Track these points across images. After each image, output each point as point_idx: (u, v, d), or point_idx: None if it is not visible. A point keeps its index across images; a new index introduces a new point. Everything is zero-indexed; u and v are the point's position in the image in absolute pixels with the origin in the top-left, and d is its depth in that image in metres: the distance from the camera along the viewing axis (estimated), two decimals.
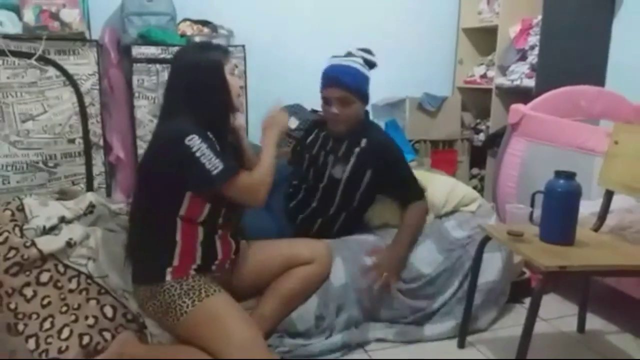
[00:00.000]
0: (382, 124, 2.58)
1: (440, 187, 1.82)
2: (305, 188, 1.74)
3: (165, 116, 1.38)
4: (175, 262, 1.32)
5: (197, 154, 1.23)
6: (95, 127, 1.96)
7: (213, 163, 1.23)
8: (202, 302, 1.28)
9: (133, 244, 1.40)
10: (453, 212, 1.81)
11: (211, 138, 1.29)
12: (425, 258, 1.67)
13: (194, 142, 1.23)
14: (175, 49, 2.03)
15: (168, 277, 1.31)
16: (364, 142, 1.66)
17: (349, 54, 1.72)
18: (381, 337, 1.57)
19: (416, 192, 1.72)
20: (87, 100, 1.93)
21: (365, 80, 1.68)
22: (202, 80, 1.33)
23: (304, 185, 1.75)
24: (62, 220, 1.50)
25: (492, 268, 1.69)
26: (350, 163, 1.66)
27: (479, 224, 1.71)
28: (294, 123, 2.29)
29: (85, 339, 1.35)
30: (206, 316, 1.27)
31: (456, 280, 1.67)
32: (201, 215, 1.33)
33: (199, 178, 1.25)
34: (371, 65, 1.72)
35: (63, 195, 1.68)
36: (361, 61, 1.69)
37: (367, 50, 1.75)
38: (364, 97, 1.68)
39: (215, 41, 2.15)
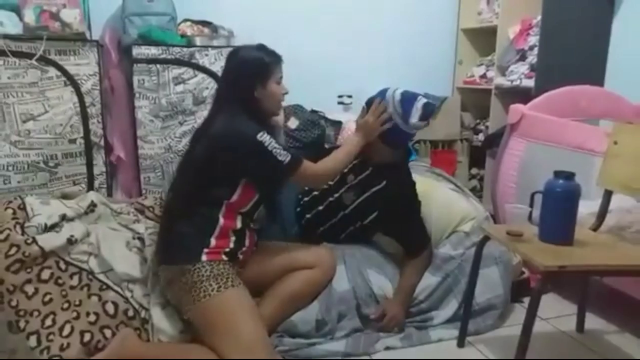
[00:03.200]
0: None
1: (438, 213, 1.78)
2: (316, 194, 1.76)
3: (220, 111, 1.45)
4: (213, 244, 1.37)
5: (269, 148, 1.37)
6: (96, 127, 1.96)
7: (282, 154, 1.39)
8: (227, 290, 1.32)
9: (171, 225, 1.43)
10: (449, 234, 1.82)
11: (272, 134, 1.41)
12: (420, 284, 1.67)
13: (265, 137, 1.37)
14: (176, 49, 2.04)
15: (204, 257, 1.35)
16: (383, 184, 1.65)
17: (410, 96, 1.63)
18: (389, 345, 1.55)
19: (417, 247, 1.70)
20: (87, 100, 1.93)
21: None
22: (236, 89, 1.44)
23: (316, 191, 1.77)
24: (63, 218, 1.52)
25: (490, 283, 1.68)
26: (363, 197, 1.67)
27: (473, 243, 1.70)
28: (294, 123, 2.31)
29: (87, 337, 1.36)
30: (225, 306, 1.31)
31: (454, 299, 1.67)
32: (246, 207, 1.44)
33: (272, 169, 1.40)
34: (406, 119, 1.61)
35: (65, 198, 1.69)
36: (397, 102, 1.60)
37: (427, 108, 1.61)
38: (383, 136, 1.62)
39: (215, 42, 2.17)
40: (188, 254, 1.37)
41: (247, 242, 1.46)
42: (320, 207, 1.73)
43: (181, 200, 1.44)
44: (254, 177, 1.42)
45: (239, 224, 1.44)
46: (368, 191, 1.67)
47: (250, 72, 1.45)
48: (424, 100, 1.63)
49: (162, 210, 1.58)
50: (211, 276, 1.34)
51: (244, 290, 1.38)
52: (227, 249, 1.41)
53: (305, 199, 1.78)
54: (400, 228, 1.70)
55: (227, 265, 1.38)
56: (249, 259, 1.51)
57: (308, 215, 1.75)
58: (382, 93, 1.66)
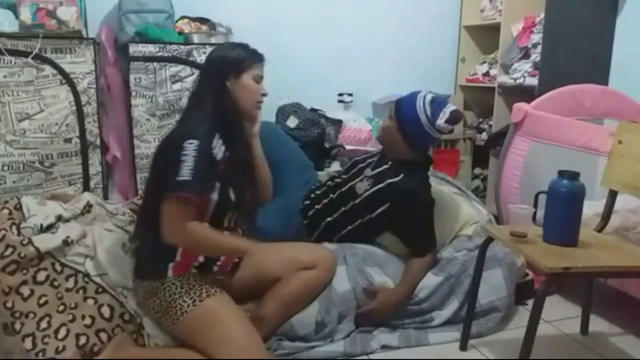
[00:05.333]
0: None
1: (441, 219, 1.76)
2: (330, 184, 1.80)
3: (183, 115, 1.42)
4: (178, 258, 1.31)
5: (182, 158, 1.22)
6: (92, 126, 1.95)
7: (186, 174, 1.21)
8: (203, 302, 1.28)
9: (140, 237, 1.40)
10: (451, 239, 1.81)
11: (207, 153, 1.27)
12: (422, 283, 1.66)
13: (190, 147, 1.23)
14: (173, 47, 2.02)
15: (170, 273, 1.31)
16: (400, 177, 1.67)
17: (439, 100, 1.69)
18: (385, 343, 1.55)
19: (423, 248, 1.69)
20: (83, 99, 1.91)
21: (413, 119, 1.67)
22: (210, 79, 1.38)
23: (330, 181, 1.82)
24: (60, 219, 1.51)
25: (494, 286, 1.66)
26: (376, 187, 1.68)
27: (476, 245, 1.67)
28: (293, 122, 2.29)
29: (82, 340, 1.35)
30: (206, 317, 1.27)
31: (456, 299, 1.65)
32: (206, 215, 1.32)
33: (168, 176, 1.23)
34: (433, 121, 1.66)
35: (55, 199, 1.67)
36: (427, 104, 1.66)
37: (455, 114, 1.68)
38: (404, 132, 1.68)
39: (213, 39, 2.15)
40: (154, 269, 1.32)
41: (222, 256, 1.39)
42: (333, 196, 1.75)
43: (146, 210, 1.38)
44: (159, 175, 1.30)
45: None
46: (383, 182, 1.68)
47: (225, 64, 1.38)
48: (453, 107, 1.70)
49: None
50: (183, 292, 1.29)
51: (223, 296, 1.33)
52: (197, 263, 1.34)
53: (318, 192, 1.80)
54: (409, 226, 1.68)
55: (197, 277, 1.33)
56: (243, 265, 1.46)
57: (317, 206, 1.76)
58: (414, 95, 1.70)
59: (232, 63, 1.38)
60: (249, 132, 1.46)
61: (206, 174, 1.25)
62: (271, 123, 2.10)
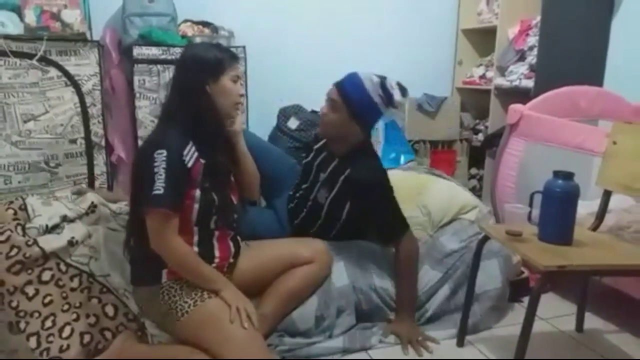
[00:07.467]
0: (381, 124, 2.60)
1: (438, 198, 1.77)
2: (298, 197, 1.76)
3: (160, 118, 1.41)
4: None
5: (155, 169, 1.24)
6: (96, 127, 1.97)
7: (160, 187, 1.23)
8: (204, 302, 1.29)
9: (130, 245, 1.40)
10: (450, 221, 1.83)
11: (177, 163, 1.27)
12: (420, 278, 1.67)
13: (160, 157, 1.25)
14: (176, 49, 2.05)
15: (164, 278, 1.31)
16: (348, 171, 1.62)
17: (383, 78, 1.64)
18: (384, 339, 1.57)
19: (396, 231, 1.61)
20: (88, 100, 1.93)
21: (367, 103, 1.60)
22: (188, 84, 1.35)
23: (297, 193, 1.77)
24: (64, 219, 1.51)
25: (489, 276, 1.69)
26: (334, 191, 1.65)
27: (476, 232, 1.71)
28: (294, 123, 2.32)
29: (86, 338, 1.37)
30: (207, 316, 1.28)
31: (447, 285, 1.67)
32: (192, 215, 1.33)
33: (142, 189, 1.26)
34: (389, 100, 1.63)
35: (79, 195, 1.69)
36: (378, 85, 1.60)
37: (402, 87, 1.65)
38: (358, 117, 1.61)
39: (215, 42, 2.16)
40: (148, 275, 1.33)
41: (217, 253, 1.38)
42: (305, 211, 1.72)
43: (133, 219, 1.38)
44: (137, 186, 1.32)
45: (196, 236, 1.35)
46: (336, 183, 1.64)
47: (202, 66, 1.35)
48: (388, 78, 1.64)
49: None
50: (183, 293, 1.30)
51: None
52: None
53: (291, 204, 1.77)
54: (375, 212, 1.62)
55: None
56: (241, 264, 1.47)
57: (296, 220, 1.74)
58: (356, 78, 1.63)
59: (210, 66, 1.35)
60: (231, 130, 1.45)
61: (179, 183, 1.27)
62: (246, 131, 1.91)
